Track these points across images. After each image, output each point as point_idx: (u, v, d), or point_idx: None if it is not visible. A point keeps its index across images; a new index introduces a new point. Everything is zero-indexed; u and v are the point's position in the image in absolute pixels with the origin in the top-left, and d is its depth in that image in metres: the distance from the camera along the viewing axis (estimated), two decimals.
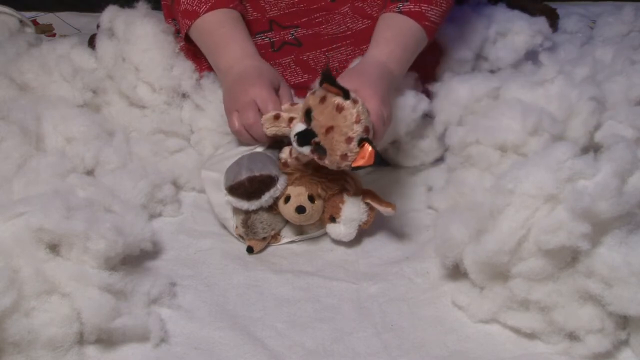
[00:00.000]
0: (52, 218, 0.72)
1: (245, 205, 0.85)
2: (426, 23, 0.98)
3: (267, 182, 0.85)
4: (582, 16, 1.60)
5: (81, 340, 0.72)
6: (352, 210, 0.87)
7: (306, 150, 0.80)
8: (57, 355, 0.70)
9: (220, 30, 1.01)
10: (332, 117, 0.77)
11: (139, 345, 0.74)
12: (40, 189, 0.83)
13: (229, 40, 1.00)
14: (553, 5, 1.57)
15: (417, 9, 0.98)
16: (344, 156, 0.78)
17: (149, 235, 0.84)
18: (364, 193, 0.88)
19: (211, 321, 0.78)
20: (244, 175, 0.84)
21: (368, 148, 0.77)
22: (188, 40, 1.06)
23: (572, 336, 0.73)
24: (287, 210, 0.87)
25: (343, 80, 0.80)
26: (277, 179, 0.86)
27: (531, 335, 0.75)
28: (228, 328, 0.77)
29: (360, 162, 0.77)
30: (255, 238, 0.89)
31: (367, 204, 0.87)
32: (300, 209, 0.85)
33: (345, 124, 0.77)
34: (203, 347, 0.74)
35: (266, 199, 0.85)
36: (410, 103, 0.99)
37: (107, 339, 0.73)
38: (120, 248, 0.76)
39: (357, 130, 0.77)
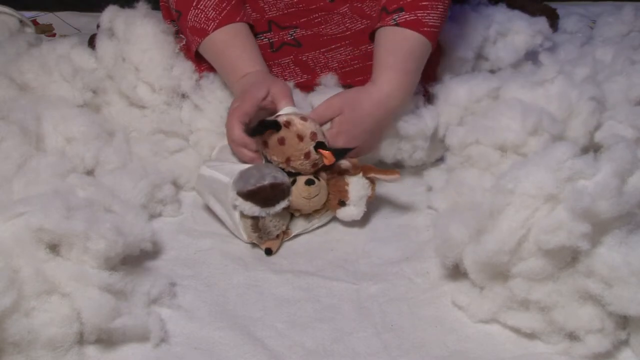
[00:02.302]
0: (52, 218, 0.72)
1: (256, 211, 0.84)
2: (425, 29, 0.96)
3: (286, 192, 0.86)
4: (582, 16, 1.60)
5: (81, 340, 0.72)
6: (358, 188, 0.89)
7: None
8: (57, 355, 0.70)
9: (228, 52, 1.01)
10: (282, 151, 0.87)
11: (139, 345, 0.74)
12: (40, 189, 0.83)
13: (236, 60, 1.01)
14: (553, 5, 1.57)
15: (413, 18, 0.96)
16: (315, 165, 0.89)
17: (149, 235, 0.84)
18: (364, 169, 0.90)
19: (211, 321, 0.78)
20: (267, 181, 0.83)
21: (324, 152, 0.87)
22: (198, 55, 1.06)
23: (572, 336, 0.73)
24: (296, 188, 0.87)
25: (332, 105, 0.93)
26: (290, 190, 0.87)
27: (531, 335, 0.75)
28: (228, 328, 0.77)
29: (327, 163, 0.88)
30: (270, 238, 0.89)
31: (369, 178, 0.90)
32: (310, 181, 0.87)
33: (294, 149, 0.87)
34: (203, 347, 0.74)
35: (279, 207, 0.85)
36: (431, 125, 1.00)
37: (107, 339, 0.73)
38: (120, 248, 0.76)
39: (305, 147, 0.87)
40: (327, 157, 0.87)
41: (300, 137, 0.87)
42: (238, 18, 1.02)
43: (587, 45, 1.39)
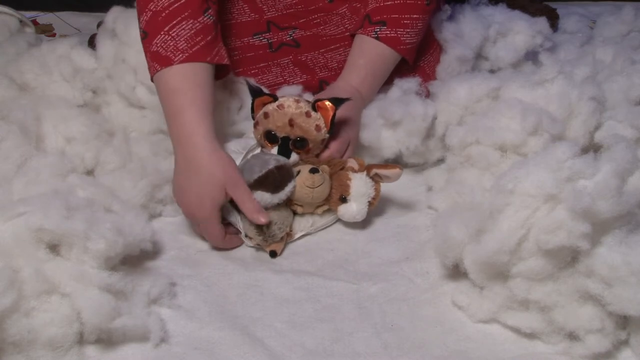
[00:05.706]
0: (52, 218, 0.72)
1: (267, 199, 0.85)
2: (402, 47, 1.01)
3: (291, 172, 0.87)
4: (582, 16, 1.60)
5: (81, 340, 0.72)
6: (360, 184, 0.90)
7: (295, 157, 0.92)
8: (57, 355, 0.70)
9: (180, 97, 0.88)
10: (284, 113, 0.90)
11: (139, 345, 0.74)
12: (40, 189, 0.83)
13: (185, 113, 0.87)
14: (553, 5, 1.57)
15: (393, 35, 1.00)
16: (318, 127, 0.91)
17: (149, 235, 0.84)
18: (367, 168, 0.91)
19: (211, 321, 0.78)
20: (272, 165, 0.85)
21: (324, 104, 0.90)
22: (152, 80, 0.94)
23: (572, 336, 0.73)
24: (300, 177, 0.88)
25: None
26: None
27: (531, 335, 0.75)
28: (228, 328, 0.77)
29: (330, 111, 0.90)
30: (275, 241, 0.89)
31: (373, 177, 0.91)
32: (314, 170, 0.88)
33: (294, 109, 0.90)
34: (203, 347, 0.74)
35: (288, 190, 0.86)
36: (420, 112, 0.99)
37: (107, 339, 0.73)
38: (120, 248, 0.76)
39: (304, 107, 0.90)
40: (328, 107, 0.90)
41: (297, 100, 0.91)
42: (209, 58, 0.91)
43: (587, 45, 1.39)
